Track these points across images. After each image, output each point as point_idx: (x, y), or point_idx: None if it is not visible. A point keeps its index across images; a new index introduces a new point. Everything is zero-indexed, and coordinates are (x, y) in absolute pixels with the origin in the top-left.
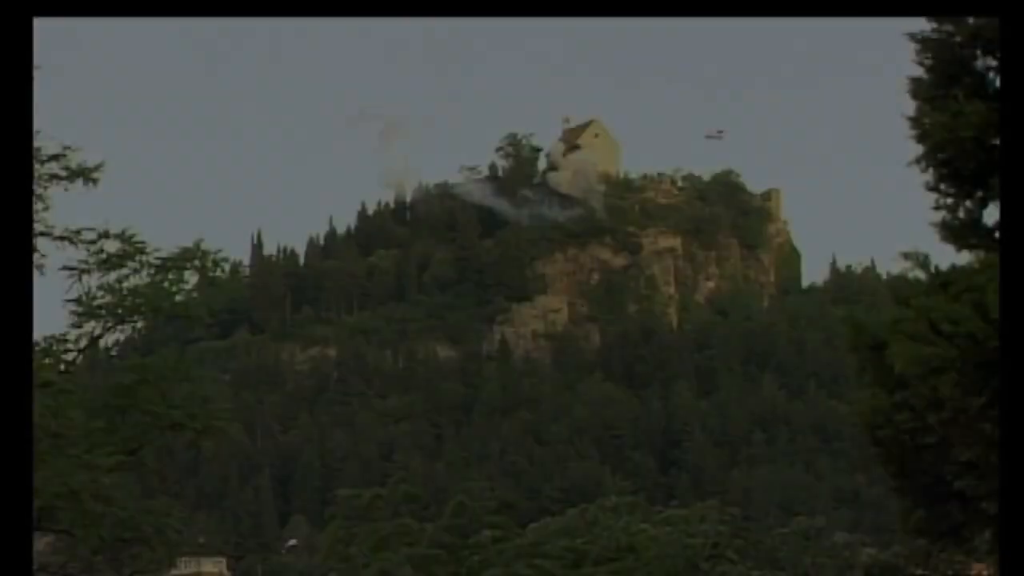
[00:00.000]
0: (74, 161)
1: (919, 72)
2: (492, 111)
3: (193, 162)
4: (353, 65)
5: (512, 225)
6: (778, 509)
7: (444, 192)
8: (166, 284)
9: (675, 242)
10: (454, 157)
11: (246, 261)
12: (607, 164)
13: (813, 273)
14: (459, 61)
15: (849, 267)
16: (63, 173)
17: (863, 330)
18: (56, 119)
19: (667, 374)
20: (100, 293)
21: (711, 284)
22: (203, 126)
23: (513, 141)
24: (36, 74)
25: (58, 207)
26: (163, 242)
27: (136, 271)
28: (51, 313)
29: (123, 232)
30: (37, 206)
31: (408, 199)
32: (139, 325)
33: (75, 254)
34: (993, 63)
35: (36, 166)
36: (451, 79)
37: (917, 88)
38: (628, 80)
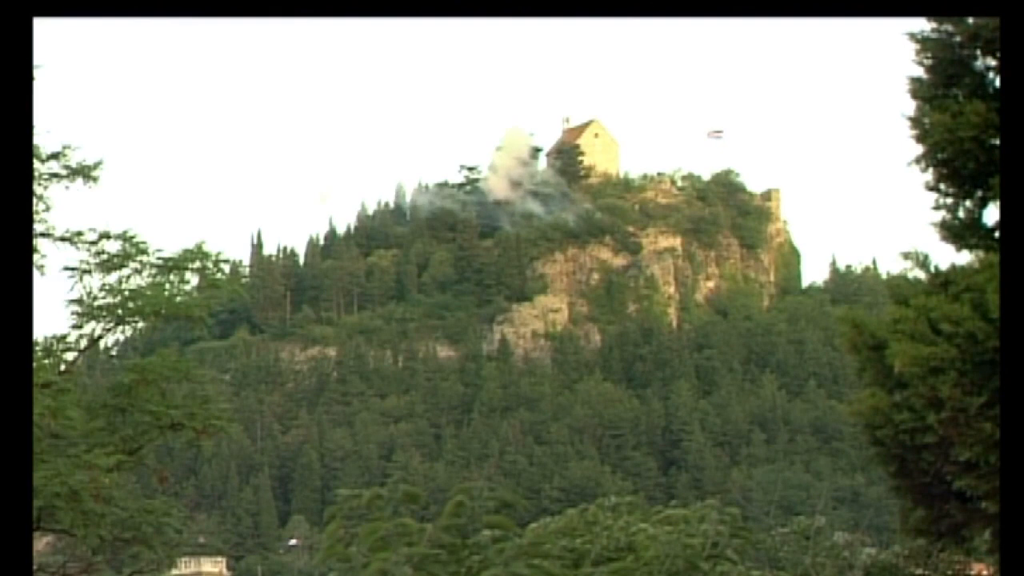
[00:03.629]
0: (74, 159)
1: (919, 72)
2: (492, 111)
3: (193, 162)
4: (352, 66)
5: (506, 226)
6: (778, 509)
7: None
8: (167, 285)
9: (675, 242)
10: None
11: (246, 261)
12: (607, 164)
13: (813, 273)
14: (459, 61)
15: (849, 267)
16: (63, 171)
17: (862, 330)
18: (56, 118)
19: (667, 374)
20: (101, 294)
21: (711, 284)
22: (203, 126)
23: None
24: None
25: (59, 207)
26: (164, 242)
27: (137, 272)
28: (51, 313)
29: (124, 233)
30: (38, 207)
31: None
32: (139, 325)
33: (76, 255)
34: (993, 63)
35: (36, 164)
36: (452, 79)
37: (917, 88)
38: (628, 80)
